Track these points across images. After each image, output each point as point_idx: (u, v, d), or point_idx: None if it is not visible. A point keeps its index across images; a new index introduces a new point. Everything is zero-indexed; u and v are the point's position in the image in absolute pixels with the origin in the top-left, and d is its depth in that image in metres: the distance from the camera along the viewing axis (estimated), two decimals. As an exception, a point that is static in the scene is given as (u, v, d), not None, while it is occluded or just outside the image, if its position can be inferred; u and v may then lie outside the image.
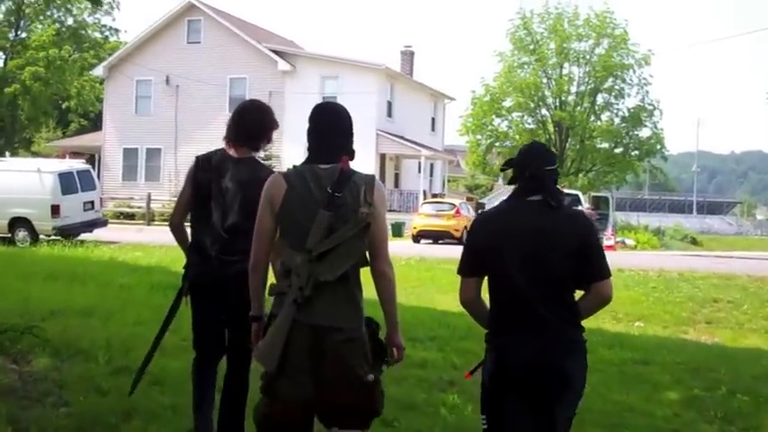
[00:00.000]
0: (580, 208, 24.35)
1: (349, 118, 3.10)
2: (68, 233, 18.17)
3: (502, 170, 3.27)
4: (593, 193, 31.81)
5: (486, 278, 3.01)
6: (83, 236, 19.01)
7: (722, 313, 12.90)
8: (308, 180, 2.91)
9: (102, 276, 9.26)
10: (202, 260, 3.79)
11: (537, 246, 2.86)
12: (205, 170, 3.85)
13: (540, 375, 2.83)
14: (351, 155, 3.01)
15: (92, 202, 19.24)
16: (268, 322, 2.93)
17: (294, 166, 3.03)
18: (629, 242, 28.82)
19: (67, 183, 18.38)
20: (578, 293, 3.02)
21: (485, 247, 2.95)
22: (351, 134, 3.08)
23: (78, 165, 20.20)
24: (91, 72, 40.30)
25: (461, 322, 8.57)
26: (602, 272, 2.93)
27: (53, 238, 17.91)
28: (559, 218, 2.92)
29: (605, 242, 23.45)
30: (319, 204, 2.86)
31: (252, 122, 3.90)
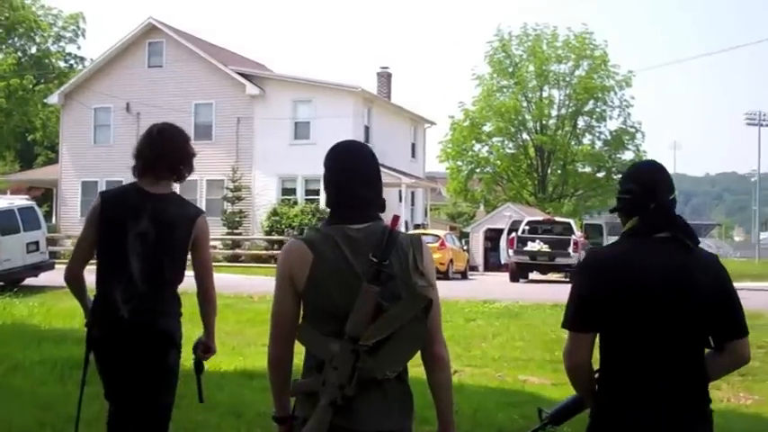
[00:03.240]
0: (573, 237, 22.95)
1: (376, 161, 2.59)
2: (9, 278, 16.44)
3: (618, 202, 2.63)
4: (586, 221, 30.68)
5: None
6: (28, 281, 17.27)
7: (756, 362, 11.30)
8: (342, 246, 2.39)
9: (-4, 349, 7.39)
10: (111, 322, 3.30)
11: (671, 295, 2.46)
12: (116, 209, 3.36)
13: None
14: (383, 208, 2.51)
15: (36, 243, 17.49)
16: (290, 429, 2.45)
17: (315, 229, 2.50)
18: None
19: (7, 221, 16.65)
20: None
21: (605, 296, 2.49)
22: (380, 181, 2.56)
23: (20, 201, 18.50)
24: (45, 100, 38.64)
25: (462, 402, 6.77)
26: (742, 328, 2.54)
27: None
28: (694, 261, 2.51)
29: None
30: (360, 277, 2.33)
31: (172, 148, 3.41)
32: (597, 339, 2.57)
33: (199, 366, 3.62)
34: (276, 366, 2.50)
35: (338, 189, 2.49)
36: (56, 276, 17.59)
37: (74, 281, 3.48)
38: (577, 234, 23.72)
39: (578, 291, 2.58)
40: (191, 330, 3.68)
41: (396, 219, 2.42)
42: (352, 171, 2.50)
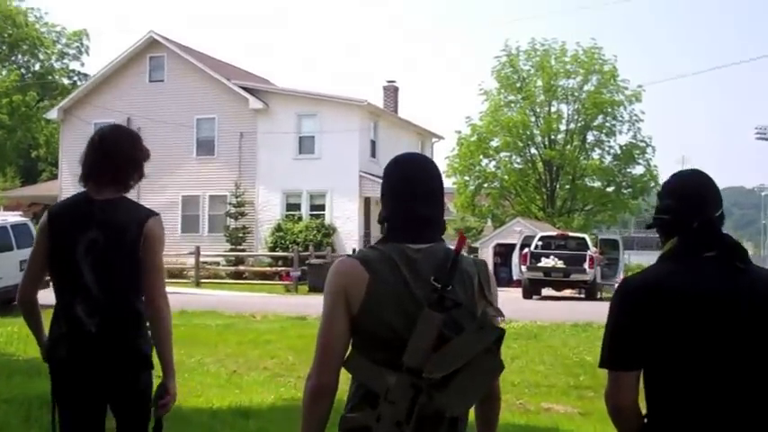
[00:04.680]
0: (589, 252, 22.24)
1: (441, 177, 2.38)
2: (3, 297, 15.74)
3: (654, 219, 2.30)
4: (601, 236, 29.97)
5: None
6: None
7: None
8: (400, 267, 2.17)
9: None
10: (78, 339, 3.02)
11: (728, 323, 2.13)
12: (63, 221, 3.15)
13: None
14: (444, 229, 2.32)
15: (30, 261, 16.86)
16: None
17: (373, 247, 2.26)
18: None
19: (0, 239, 16.14)
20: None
21: (648, 327, 2.16)
22: (444, 200, 2.34)
23: (14, 218, 17.94)
24: (45, 116, 38.30)
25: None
26: None
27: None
28: (748, 281, 2.17)
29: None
30: (419, 302, 2.11)
31: (118, 152, 3.18)
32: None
33: (158, 428, 3.08)
34: (318, 397, 2.22)
35: (398, 204, 2.29)
36: (50, 295, 16.95)
37: (27, 304, 3.22)
38: (592, 249, 23.00)
39: (616, 323, 2.27)
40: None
41: (462, 239, 2.16)
42: (417, 186, 2.31)
